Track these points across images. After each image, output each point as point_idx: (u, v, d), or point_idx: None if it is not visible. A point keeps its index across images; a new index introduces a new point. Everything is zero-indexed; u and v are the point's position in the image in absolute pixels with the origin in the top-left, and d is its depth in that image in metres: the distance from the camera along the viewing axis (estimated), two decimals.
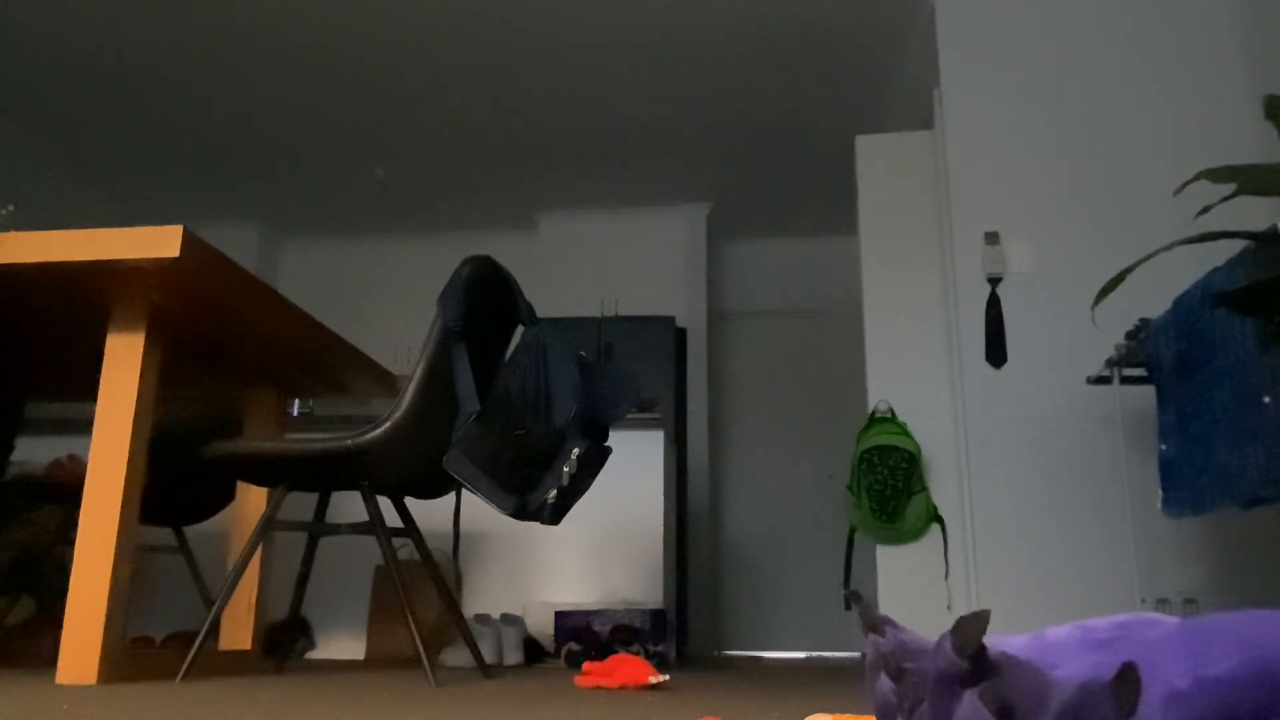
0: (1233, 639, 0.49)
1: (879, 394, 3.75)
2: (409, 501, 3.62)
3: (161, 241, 1.78)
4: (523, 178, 5.95)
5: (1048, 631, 0.65)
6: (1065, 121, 3.71)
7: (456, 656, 3.15)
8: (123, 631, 1.87)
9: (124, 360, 1.94)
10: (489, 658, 3.21)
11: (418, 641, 2.02)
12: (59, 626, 1.79)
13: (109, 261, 1.79)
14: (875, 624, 0.63)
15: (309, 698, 1.53)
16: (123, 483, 1.87)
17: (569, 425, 2.06)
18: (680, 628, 5.16)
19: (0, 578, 2.99)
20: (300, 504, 3.68)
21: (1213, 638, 0.49)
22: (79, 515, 1.86)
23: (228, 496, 3.09)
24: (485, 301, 2.15)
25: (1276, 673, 0.47)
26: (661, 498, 3.64)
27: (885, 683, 0.60)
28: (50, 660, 2.10)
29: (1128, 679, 0.44)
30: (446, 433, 2.03)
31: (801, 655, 5.78)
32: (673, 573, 3.91)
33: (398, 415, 2.03)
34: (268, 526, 2.11)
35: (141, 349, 1.94)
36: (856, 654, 5.82)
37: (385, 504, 3.54)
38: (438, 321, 2.06)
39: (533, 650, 3.35)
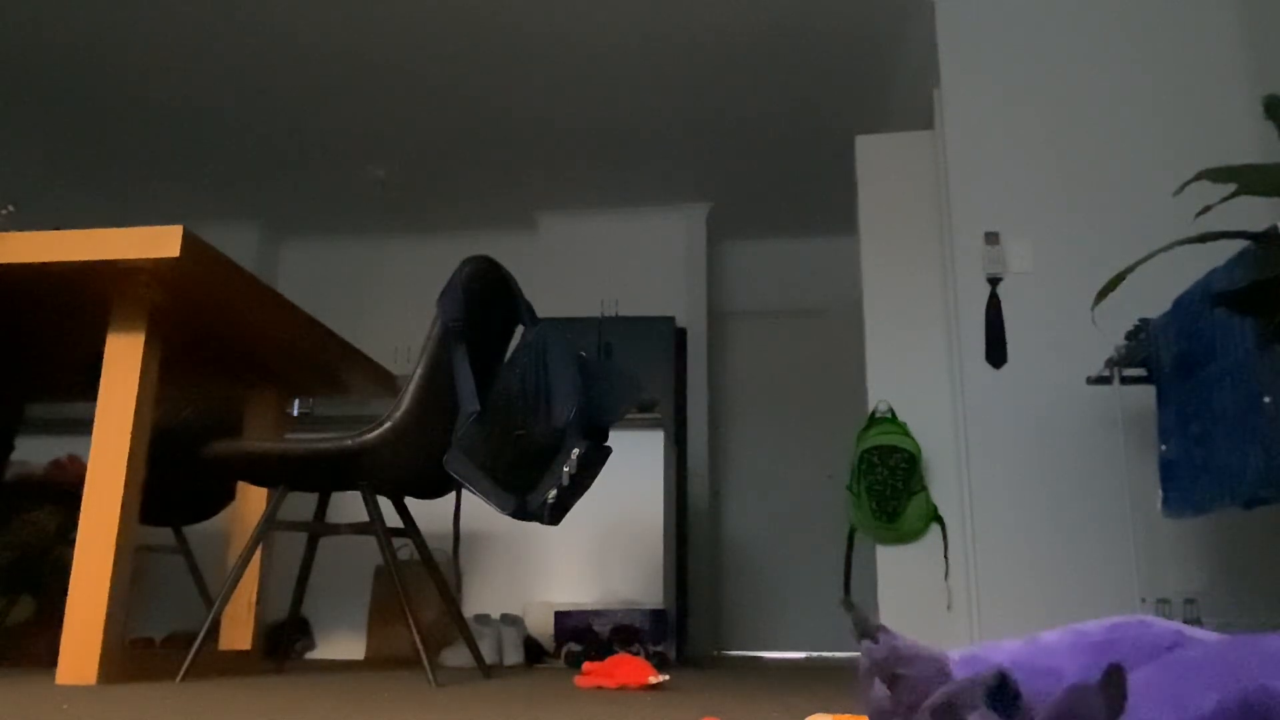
0: (1211, 675, 0.48)
1: (879, 394, 3.75)
2: (409, 501, 3.62)
3: (161, 241, 1.78)
4: (523, 178, 5.95)
5: (1042, 635, 0.65)
6: (1065, 121, 3.71)
7: (456, 656, 3.15)
8: (123, 631, 1.87)
9: (124, 360, 1.94)
10: (489, 658, 3.21)
11: (418, 641, 2.02)
12: (59, 626, 1.79)
13: (109, 261, 1.79)
14: (868, 631, 0.63)
15: (309, 698, 1.53)
16: (123, 483, 1.87)
17: (569, 425, 2.06)
18: (680, 628, 5.16)
19: (0, 578, 2.99)
20: (300, 504, 3.68)
21: (1193, 675, 0.49)
22: (79, 515, 1.86)
23: (228, 496, 3.09)
24: (485, 301, 2.15)
25: (1255, 704, 0.47)
26: (661, 498, 3.64)
27: (880, 689, 0.60)
28: (50, 660, 2.11)
29: (1114, 680, 0.44)
30: (446, 433, 2.03)
31: (801, 655, 5.78)
32: (673, 573, 3.91)
33: (398, 415, 2.03)
34: (268, 526, 2.11)
35: (141, 349, 1.94)
36: (856, 654, 5.83)
37: (385, 504, 3.54)
38: (438, 321, 2.06)
39: (533, 650, 3.35)
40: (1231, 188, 3.52)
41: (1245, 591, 3.22)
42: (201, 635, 1.97)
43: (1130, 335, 2.82)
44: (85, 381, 2.50)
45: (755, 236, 6.71)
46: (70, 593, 1.81)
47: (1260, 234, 2.04)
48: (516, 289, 2.25)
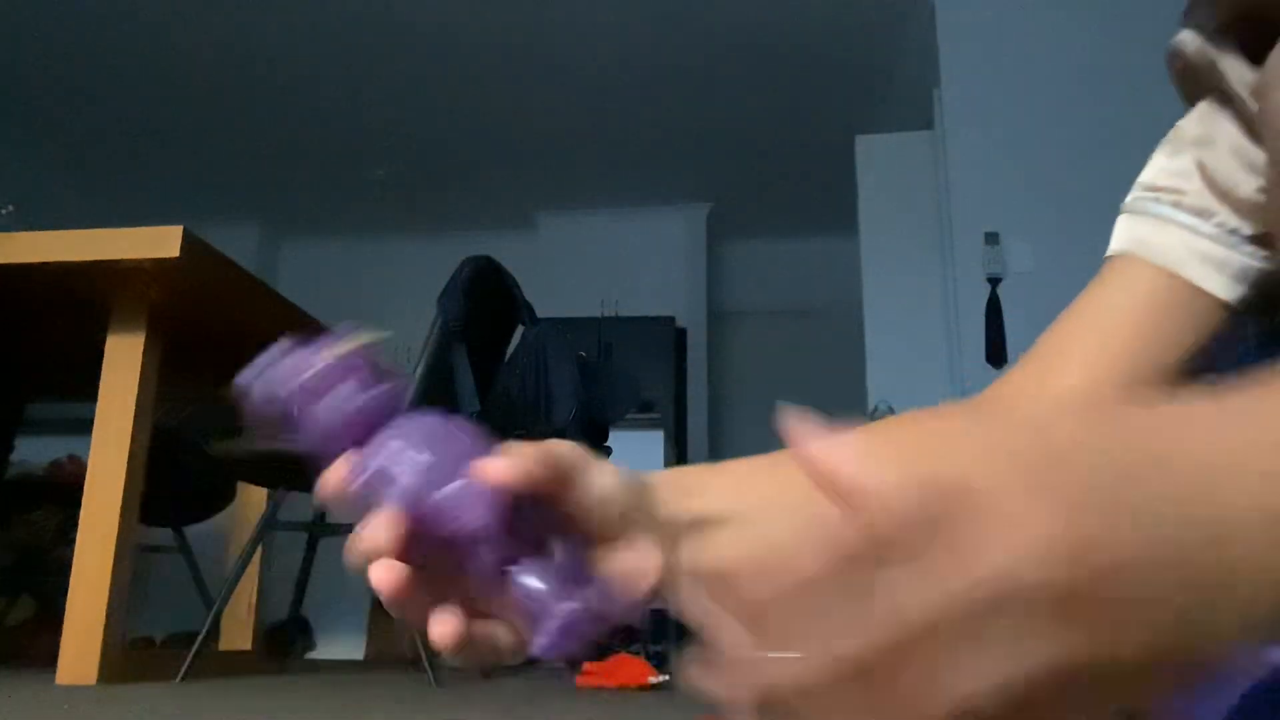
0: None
1: (879, 394, 3.75)
2: None
3: (161, 241, 1.78)
4: (523, 178, 5.94)
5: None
6: (1065, 121, 3.71)
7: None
8: (123, 631, 1.87)
9: (124, 360, 1.94)
10: None
11: (418, 641, 2.02)
12: (59, 626, 1.79)
13: (109, 261, 1.79)
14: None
15: (309, 698, 1.53)
16: (123, 483, 1.87)
17: (569, 425, 2.06)
18: (680, 627, 5.16)
19: (0, 578, 2.99)
20: (300, 504, 3.67)
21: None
22: (79, 515, 1.86)
23: (228, 496, 3.08)
24: (485, 301, 2.15)
25: None
26: None
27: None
28: (50, 660, 2.11)
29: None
30: None
31: None
32: None
33: None
34: (268, 526, 2.11)
35: (141, 349, 1.93)
36: None
37: None
38: (438, 321, 2.06)
39: None
40: None
41: None
42: (201, 635, 1.97)
43: None
44: (89, 379, 2.50)
45: (755, 236, 6.70)
46: (70, 593, 1.81)
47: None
48: (516, 289, 2.25)
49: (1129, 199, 0.67)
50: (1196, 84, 0.63)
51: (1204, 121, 0.62)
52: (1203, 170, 0.61)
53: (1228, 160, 0.59)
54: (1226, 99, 0.60)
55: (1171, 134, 0.66)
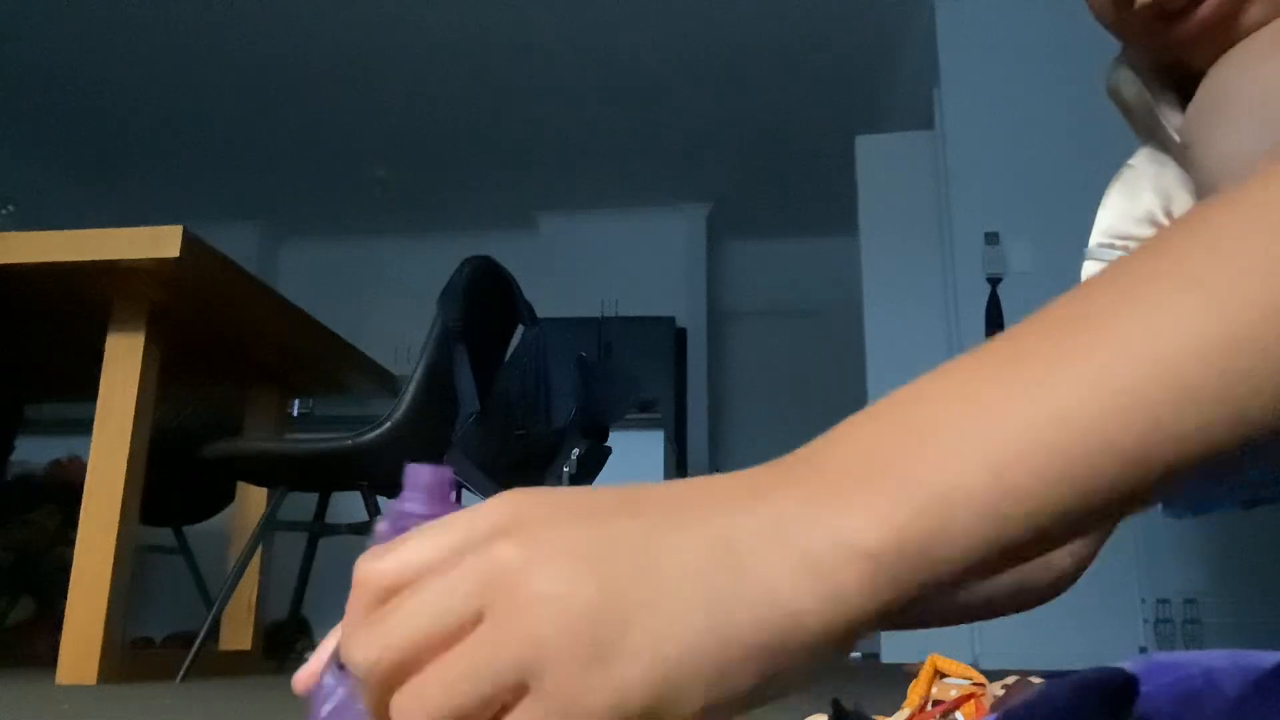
0: None
1: (879, 394, 3.74)
2: None
3: (161, 241, 1.78)
4: (523, 178, 5.94)
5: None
6: (1065, 121, 3.71)
7: None
8: (123, 631, 1.87)
9: (124, 360, 1.94)
10: None
11: None
12: (59, 626, 1.79)
13: (109, 261, 1.79)
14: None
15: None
16: (123, 483, 1.87)
17: (569, 425, 2.06)
18: None
19: (0, 578, 2.98)
20: (300, 504, 3.67)
21: None
22: (79, 515, 1.86)
23: (228, 496, 3.08)
24: (485, 302, 2.14)
25: None
26: None
27: None
28: (50, 660, 2.11)
29: None
30: (446, 433, 2.03)
31: None
32: None
33: (398, 415, 2.03)
34: (268, 526, 2.11)
35: (141, 349, 1.93)
36: (857, 654, 5.82)
37: (385, 504, 3.53)
38: (438, 321, 2.06)
39: None
40: None
41: (1245, 591, 3.22)
42: (201, 635, 1.97)
43: None
44: (89, 379, 2.50)
45: (755, 236, 6.70)
46: (70, 593, 1.81)
47: None
48: (517, 289, 2.25)
49: (1093, 244, 0.66)
50: (1136, 123, 0.63)
51: (1156, 163, 0.62)
52: (1169, 215, 0.60)
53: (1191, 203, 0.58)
54: (1165, 146, 0.60)
55: (1126, 174, 0.66)
